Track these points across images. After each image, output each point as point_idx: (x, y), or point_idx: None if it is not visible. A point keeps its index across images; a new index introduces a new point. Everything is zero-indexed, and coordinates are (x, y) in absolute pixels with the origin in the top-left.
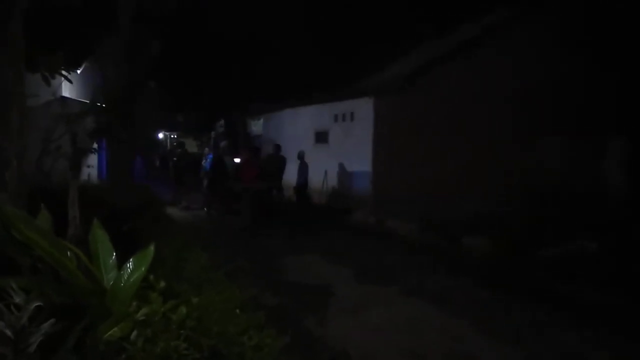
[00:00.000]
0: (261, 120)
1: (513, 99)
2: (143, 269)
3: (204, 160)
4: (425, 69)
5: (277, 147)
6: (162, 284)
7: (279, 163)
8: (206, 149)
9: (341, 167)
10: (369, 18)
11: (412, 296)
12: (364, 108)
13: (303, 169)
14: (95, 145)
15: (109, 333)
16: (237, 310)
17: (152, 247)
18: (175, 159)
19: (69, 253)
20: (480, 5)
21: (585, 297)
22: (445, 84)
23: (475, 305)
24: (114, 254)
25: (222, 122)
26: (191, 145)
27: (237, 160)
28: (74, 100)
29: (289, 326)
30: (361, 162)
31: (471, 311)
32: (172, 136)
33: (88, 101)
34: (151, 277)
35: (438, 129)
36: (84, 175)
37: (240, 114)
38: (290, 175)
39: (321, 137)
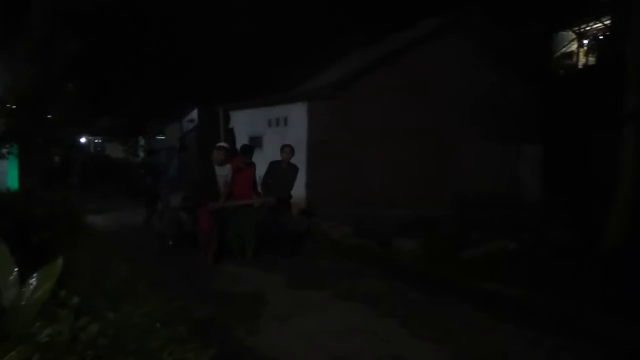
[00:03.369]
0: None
1: (440, 107)
2: (49, 284)
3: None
4: (357, 76)
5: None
6: (75, 299)
7: (291, 171)
8: (163, 151)
9: None
10: (303, 26)
11: (344, 300)
12: (298, 114)
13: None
14: (4, 150)
15: (5, 358)
16: (158, 324)
17: (60, 261)
18: (142, 171)
19: None
20: (411, 16)
21: (506, 293)
22: (376, 91)
23: (406, 306)
24: (16, 269)
25: (193, 114)
26: (117, 151)
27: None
28: None
29: (218, 337)
30: None
31: (402, 312)
32: (95, 141)
33: None
34: (62, 292)
35: (371, 135)
36: None
37: (220, 104)
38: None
39: (255, 143)
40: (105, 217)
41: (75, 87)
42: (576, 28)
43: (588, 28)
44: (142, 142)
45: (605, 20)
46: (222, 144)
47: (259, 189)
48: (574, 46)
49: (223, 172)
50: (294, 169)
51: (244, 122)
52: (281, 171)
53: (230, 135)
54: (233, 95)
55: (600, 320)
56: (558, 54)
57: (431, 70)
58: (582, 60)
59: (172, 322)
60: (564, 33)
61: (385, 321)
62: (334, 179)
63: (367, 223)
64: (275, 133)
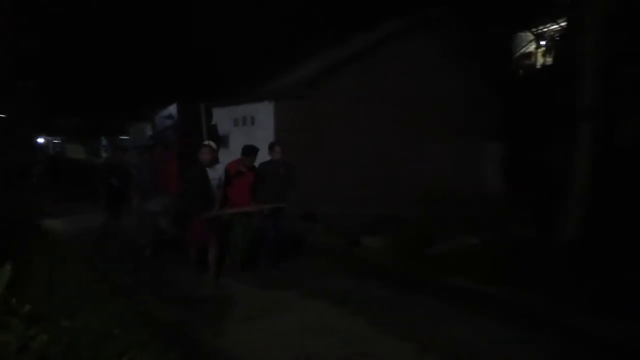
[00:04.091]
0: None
1: (407, 106)
2: None
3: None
4: (324, 75)
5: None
6: (27, 307)
7: (291, 173)
8: (133, 151)
9: None
10: (271, 26)
11: (313, 300)
12: (264, 112)
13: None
14: None
15: None
16: (117, 330)
17: (8, 267)
18: (105, 174)
19: None
20: (378, 17)
21: (470, 288)
22: (343, 90)
23: (374, 304)
24: None
25: (171, 110)
26: (78, 151)
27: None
28: None
29: (185, 340)
30: None
31: (370, 310)
32: (54, 141)
33: None
34: (13, 300)
35: (338, 134)
36: None
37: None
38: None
39: (222, 141)
40: (65, 220)
41: (33, 85)
42: (534, 29)
43: (545, 29)
44: (104, 142)
45: (562, 22)
46: (207, 142)
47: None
48: (532, 47)
49: (216, 175)
50: (292, 169)
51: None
52: (275, 173)
53: (214, 133)
54: (202, 92)
55: (559, 311)
56: (518, 54)
57: (397, 70)
58: (540, 60)
59: (134, 326)
60: (523, 34)
61: (353, 319)
62: (301, 179)
63: (336, 222)
64: (241, 132)
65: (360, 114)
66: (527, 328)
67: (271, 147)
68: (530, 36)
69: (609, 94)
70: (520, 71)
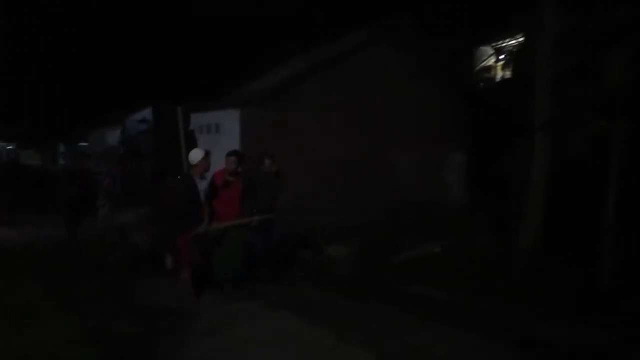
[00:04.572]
0: (118, 131)
1: (372, 116)
2: None
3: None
4: (290, 84)
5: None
6: None
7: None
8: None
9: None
10: (236, 33)
11: (275, 310)
12: (229, 120)
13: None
14: None
15: None
16: (62, 349)
17: None
18: (65, 181)
19: None
20: (344, 27)
21: (432, 295)
22: (309, 99)
23: (336, 314)
24: None
25: (145, 114)
26: (33, 158)
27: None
28: None
29: (140, 354)
30: None
31: (332, 320)
32: (7, 147)
33: None
34: None
35: (305, 143)
36: None
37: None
38: None
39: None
40: (19, 230)
41: None
42: (494, 44)
43: (504, 44)
44: (62, 148)
45: (519, 38)
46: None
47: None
48: (492, 60)
49: (203, 187)
50: (281, 178)
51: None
52: (264, 182)
53: (191, 139)
54: (177, 95)
55: (516, 317)
56: (479, 67)
57: (363, 80)
58: (499, 73)
59: (85, 342)
60: (484, 48)
61: (315, 330)
62: None
63: (301, 231)
64: (205, 140)
65: (326, 124)
66: (486, 334)
67: (260, 159)
68: (490, 50)
69: (561, 107)
70: (481, 83)
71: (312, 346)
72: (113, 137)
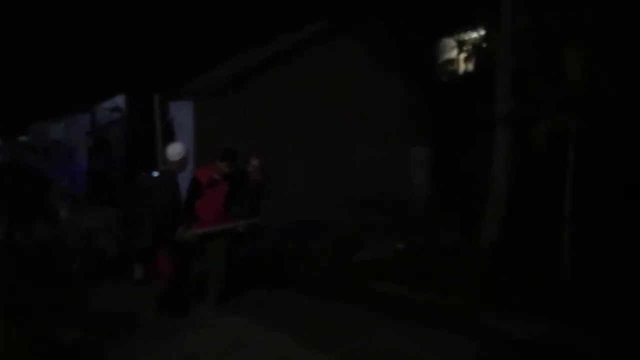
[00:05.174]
0: (62, 124)
1: (334, 110)
2: None
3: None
4: (246, 75)
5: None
6: None
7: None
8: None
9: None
10: (192, 22)
11: (233, 314)
12: (184, 113)
13: None
14: None
15: None
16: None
17: None
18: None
19: None
20: (303, 20)
21: (394, 292)
22: (267, 93)
23: (296, 315)
24: None
25: (116, 102)
26: None
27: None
28: None
29: None
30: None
31: (291, 322)
32: None
33: None
34: None
35: (262, 137)
36: None
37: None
38: None
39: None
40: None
41: None
42: (457, 36)
43: (467, 37)
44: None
45: (481, 31)
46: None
47: None
48: (455, 53)
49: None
50: (268, 179)
51: None
52: (250, 183)
53: (170, 130)
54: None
55: (479, 313)
56: (442, 60)
57: (323, 73)
58: (462, 67)
59: (27, 353)
60: (447, 40)
61: (275, 333)
62: None
63: (260, 230)
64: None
65: (285, 117)
66: (450, 330)
67: (246, 160)
68: (453, 42)
69: (521, 102)
70: (445, 77)
71: (270, 351)
72: (57, 130)
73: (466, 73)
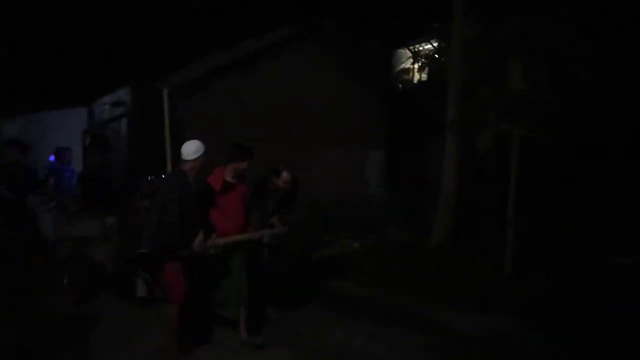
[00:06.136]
0: (15, 124)
1: (294, 114)
2: None
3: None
4: (208, 78)
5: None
6: None
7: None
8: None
9: None
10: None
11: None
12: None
13: None
14: None
15: None
16: None
17: None
18: None
19: None
20: (265, 26)
21: (351, 291)
22: (230, 96)
23: None
24: None
25: (120, 95)
26: None
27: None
28: None
29: None
30: None
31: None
32: None
33: None
34: None
35: (225, 140)
36: None
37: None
38: None
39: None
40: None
41: None
42: (411, 47)
43: (421, 48)
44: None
45: (434, 43)
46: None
47: None
48: (410, 63)
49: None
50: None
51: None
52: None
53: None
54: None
55: (431, 310)
56: (398, 69)
57: (285, 78)
58: (417, 76)
59: None
60: (402, 51)
61: (228, 332)
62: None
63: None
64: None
65: (248, 120)
66: (404, 326)
67: (277, 173)
68: (408, 53)
69: (470, 108)
70: (400, 85)
71: (227, 350)
72: (11, 129)
73: (420, 82)
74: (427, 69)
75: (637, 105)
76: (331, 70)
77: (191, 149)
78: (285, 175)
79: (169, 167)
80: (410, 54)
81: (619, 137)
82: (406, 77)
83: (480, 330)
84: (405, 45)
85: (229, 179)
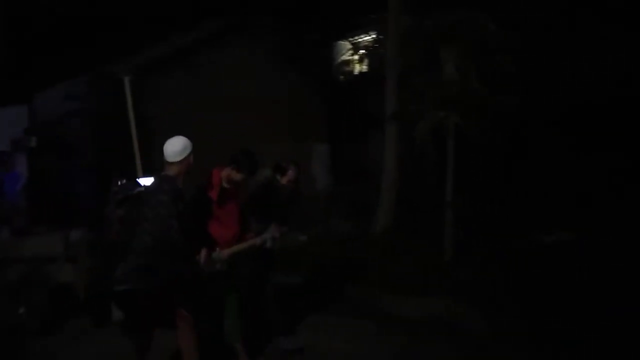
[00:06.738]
0: None
1: (234, 108)
2: None
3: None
4: (153, 68)
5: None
6: None
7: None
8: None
9: None
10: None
11: None
12: None
13: None
14: None
15: None
16: None
17: None
18: None
19: None
20: (198, 18)
21: (294, 282)
22: (166, 91)
23: None
24: None
25: (73, 87)
26: None
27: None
28: None
29: None
30: None
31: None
32: None
33: None
34: None
35: (163, 136)
36: None
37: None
38: None
39: None
40: None
41: None
42: (351, 39)
43: (360, 40)
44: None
45: (373, 35)
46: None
47: None
48: (349, 55)
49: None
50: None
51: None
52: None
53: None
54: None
55: (375, 296)
56: (338, 61)
57: (224, 72)
58: (357, 68)
59: None
60: (342, 42)
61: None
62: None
63: None
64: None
65: (186, 116)
66: (351, 315)
67: (282, 170)
68: (348, 45)
69: (407, 100)
70: (341, 77)
71: (171, 353)
72: None
73: (361, 73)
74: (366, 60)
75: (561, 94)
76: (271, 63)
77: (176, 148)
78: (291, 172)
79: (139, 167)
80: (351, 46)
81: (543, 127)
82: (347, 69)
83: (420, 314)
84: (345, 37)
85: (224, 183)
